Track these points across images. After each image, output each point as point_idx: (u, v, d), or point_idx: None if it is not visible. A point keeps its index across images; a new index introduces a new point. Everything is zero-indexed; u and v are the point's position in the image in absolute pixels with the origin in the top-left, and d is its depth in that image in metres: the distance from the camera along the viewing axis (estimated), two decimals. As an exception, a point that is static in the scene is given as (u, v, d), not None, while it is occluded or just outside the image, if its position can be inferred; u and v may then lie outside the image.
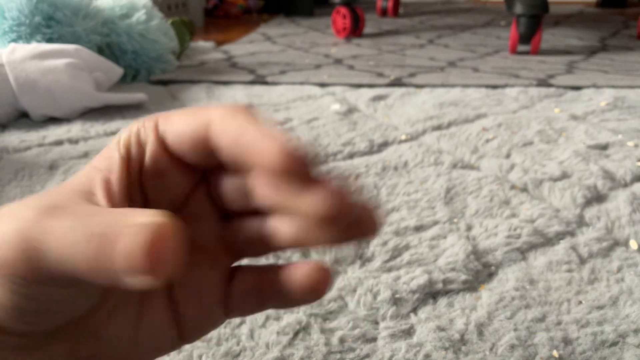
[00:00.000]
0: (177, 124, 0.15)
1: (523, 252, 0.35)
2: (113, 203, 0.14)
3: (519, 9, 0.97)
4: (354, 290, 0.31)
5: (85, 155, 0.53)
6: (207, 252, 0.16)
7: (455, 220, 0.40)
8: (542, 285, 0.32)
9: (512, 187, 0.45)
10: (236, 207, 0.16)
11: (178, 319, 0.16)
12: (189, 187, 0.16)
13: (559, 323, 0.28)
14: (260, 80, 0.82)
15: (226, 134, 0.14)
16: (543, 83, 0.79)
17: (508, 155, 0.52)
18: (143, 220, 0.11)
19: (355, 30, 1.26)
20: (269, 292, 0.16)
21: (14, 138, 0.58)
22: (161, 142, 0.15)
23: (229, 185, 0.16)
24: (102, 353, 0.15)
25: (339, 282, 0.32)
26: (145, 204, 0.16)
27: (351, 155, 0.53)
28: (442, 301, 0.30)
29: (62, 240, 0.12)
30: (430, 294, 0.31)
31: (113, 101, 0.67)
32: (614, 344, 0.27)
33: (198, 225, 0.16)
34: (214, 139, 0.14)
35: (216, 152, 0.14)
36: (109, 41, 0.81)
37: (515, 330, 0.28)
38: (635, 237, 0.37)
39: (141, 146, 0.15)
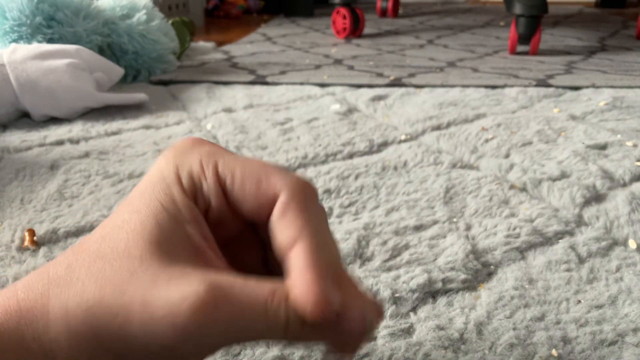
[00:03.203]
0: (239, 184, 0.16)
1: (522, 252, 0.35)
2: (219, 257, 0.16)
3: (518, 9, 0.97)
4: (354, 290, 0.31)
5: (86, 155, 0.53)
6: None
7: (454, 219, 0.40)
8: (541, 284, 0.32)
9: (511, 186, 0.45)
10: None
11: None
12: (238, 230, 0.18)
13: (558, 322, 0.29)
14: (261, 81, 0.83)
15: (283, 240, 0.15)
16: (542, 83, 0.79)
17: (507, 155, 0.52)
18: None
19: (355, 30, 1.26)
20: None
21: (15, 138, 0.58)
22: (224, 196, 0.16)
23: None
24: None
25: (339, 282, 0.32)
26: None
27: (351, 155, 0.53)
28: (442, 300, 0.31)
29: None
30: (430, 293, 0.31)
31: (114, 101, 0.67)
32: (613, 343, 0.27)
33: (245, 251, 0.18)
34: (274, 228, 0.15)
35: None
36: (109, 41, 0.81)
37: (514, 329, 0.28)
38: (634, 236, 0.37)
39: (206, 198, 0.16)
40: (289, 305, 0.13)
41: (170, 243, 0.14)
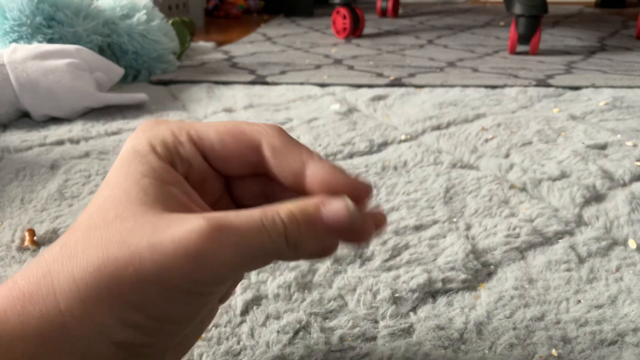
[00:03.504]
0: (219, 142, 0.17)
1: (522, 252, 0.35)
2: (204, 209, 0.17)
3: (518, 9, 0.97)
4: (354, 290, 0.31)
5: (87, 155, 0.53)
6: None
7: (454, 219, 0.40)
8: (541, 284, 0.32)
9: (511, 186, 0.45)
10: (247, 202, 0.19)
11: None
12: (221, 189, 0.19)
13: (557, 322, 0.29)
14: (261, 81, 0.83)
15: (293, 169, 0.17)
16: (542, 83, 0.79)
17: (507, 155, 0.52)
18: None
19: (355, 30, 1.26)
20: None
21: (15, 138, 0.58)
22: (203, 157, 0.17)
23: (248, 187, 0.19)
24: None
25: (339, 281, 0.32)
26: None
27: (351, 155, 0.53)
28: (442, 300, 0.31)
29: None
30: (430, 293, 0.31)
31: (114, 101, 0.67)
32: (613, 343, 0.27)
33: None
34: (270, 165, 0.17)
35: (266, 171, 0.17)
36: (109, 41, 0.81)
37: (514, 329, 0.28)
38: (633, 236, 0.37)
39: (184, 161, 0.17)
40: (281, 213, 0.15)
41: (158, 202, 0.15)
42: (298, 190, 0.17)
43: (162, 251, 0.13)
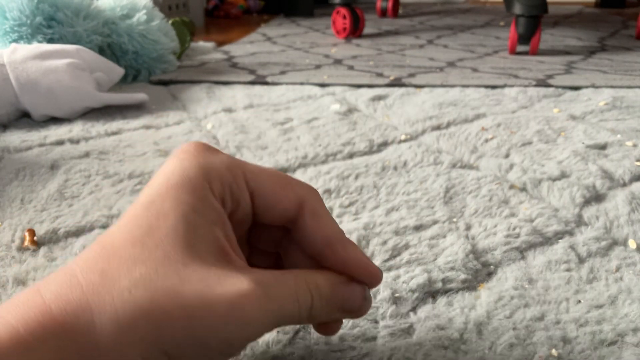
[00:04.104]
0: (270, 190, 0.18)
1: (522, 252, 0.35)
2: (240, 256, 0.17)
3: (518, 9, 0.97)
4: (354, 290, 0.31)
5: (87, 155, 0.53)
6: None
7: (454, 219, 0.40)
8: (541, 284, 0.32)
9: (511, 186, 0.45)
10: (261, 245, 0.21)
11: None
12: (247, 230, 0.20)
13: (557, 322, 0.29)
14: (261, 81, 0.83)
15: (323, 237, 0.18)
16: (542, 83, 0.79)
17: (507, 155, 0.52)
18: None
19: (355, 30, 1.26)
20: None
21: (15, 138, 0.58)
22: (252, 202, 0.18)
23: (270, 234, 0.20)
24: None
25: (339, 282, 0.32)
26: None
27: (351, 155, 0.53)
28: (442, 300, 0.31)
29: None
30: (430, 293, 0.31)
31: (114, 101, 0.67)
32: (613, 343, 0.27)
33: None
34: (305, 226, 0.18)
35: (295, 228, 0.18)
36: (109, 41, 0.81)
37: (514, 329, 0.28)
38: (633, 236, 0.37)
39: (234, 200, 0.17)
40: (311, 287, 0.16)
41: (202, 245, 0.15)
42: (314, 255, 0.18)
43: (215, 312, 0.14)
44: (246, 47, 1.15)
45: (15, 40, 0.70)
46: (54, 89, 0.62)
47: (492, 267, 0.34)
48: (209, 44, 1.16)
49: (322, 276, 0.17)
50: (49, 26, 0.72)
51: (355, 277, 0.18)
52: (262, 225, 0.19)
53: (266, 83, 0.82)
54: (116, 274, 0.14)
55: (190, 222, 0.15)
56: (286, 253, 0.20)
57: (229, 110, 0.69)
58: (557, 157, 0.51)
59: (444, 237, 0.37)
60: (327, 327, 0.20)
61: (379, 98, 0.73)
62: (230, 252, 0.16)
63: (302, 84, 0.81)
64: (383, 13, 1.72)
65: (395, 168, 0.49)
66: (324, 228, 0.18)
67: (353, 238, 0.37)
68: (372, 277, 0.18)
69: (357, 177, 0.47)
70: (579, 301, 0.30)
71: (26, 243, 0.36)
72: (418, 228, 0.39)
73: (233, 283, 0.14)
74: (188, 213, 0.15)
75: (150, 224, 0.15)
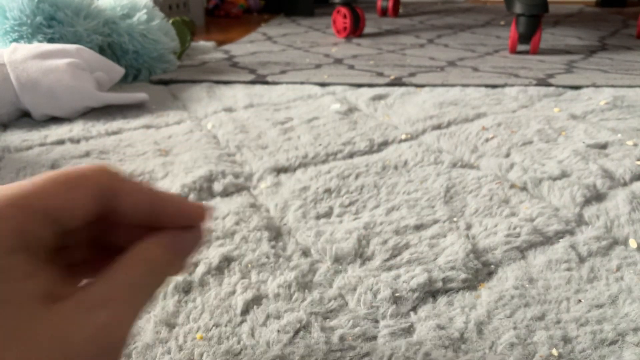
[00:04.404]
0: (58, 208, 0.15)
1: (522, 251, 0.35)
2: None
3: (518, 8, 0.97)
4: (354, 289, 0.31)
5: (87, 154, 0.53)
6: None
7: (455, 219, 0.40)
8: (541, 283, 0.32)
9: (512, 186, 0.45)
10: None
11: None
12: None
13: (558, 321, 0.29)
14: (261, 80, 0.83)
15: (138, 206, 0.17)
16: (542, 82, 0.79)
17: (507, 155, 0.52)
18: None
19: (356, 30, 1.26)
20: None
21: (15, 137, 0.58)
22: (52, 227, 0.15)
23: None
24: None
25: (339, 281, 0.32)
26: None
27: (351, 155, 0.53)
28: (442, 300, 0.31)
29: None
30: (430, 292, 0.31)
31: (114, 101, 0.67)
32: (613, 342, 0.27)
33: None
34: (115, 209, 0.17)
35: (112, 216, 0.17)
36: (110, 41, 0.81)
37: (514, 328, 0.28)
38: (634, 236, 0.37)
39: (37, 239, 0.15)
40: (147, 265, 0.16)
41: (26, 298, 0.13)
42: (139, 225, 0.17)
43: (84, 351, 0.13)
44: (246, 47, 1.15)
45: (15, 40, 0.70)
46: (55, 88, 0.62)
47: (492, 266, 0.34)
48: (210, 44, 1.16)
49: (156, 247, 0.17)
50: (49, 26, 0.72)
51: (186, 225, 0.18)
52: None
53: (266, 82, 0.82)
54: None
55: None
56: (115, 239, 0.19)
57: (229, 109, 0.69)
58: (557, 156, 0.51)
59: (445, 236, 0.37)
60: None
61: (380, 97, 0.73)
62: (57, 290, 0.14)
63: (302, 83, 0.81)
64: (383, 12, 1.72)
65: (395, 167, 0.49)
66: (133, 205, 0.17)
67: (353, 237, 0.37)
68: (198, 219, 0.18)
69: (357, 176, 0.47)
70: (580, 301, 0.30)
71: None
72: (418, 227, 0.39)
73: (80, 321, 0.14)
74: None
75: None
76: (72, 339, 0.13)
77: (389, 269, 0.33)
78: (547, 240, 0.37)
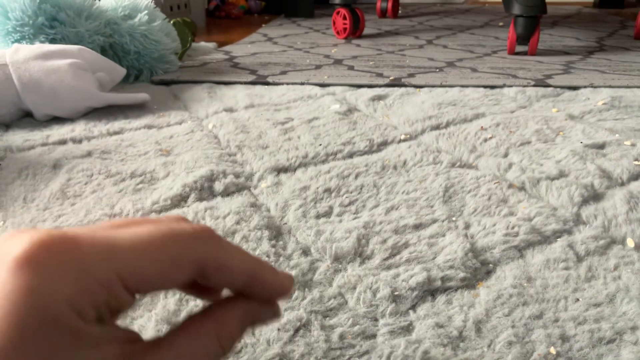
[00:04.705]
0: (155, 276, 0.14)
1: (521, 250, 0.36)
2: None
3: (517, 10, 0.98)
4: (354, 288, 0.32)
5: (89, 154, 0.53)
6: None
7: (453, 218, 0.40)
8: (539, 282, 0.32)
9: (510, 185, 0.46)
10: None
11: None
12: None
13: (556, 320, 0.29)
14: (262, 81, 0.83)
15: (227, 282, 0.16)
16: (541, 83, 0.80)
17: (506, 155, 0.53)
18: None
19: (355, 31, 1.27)
20: None
21: (17, 137, 0.58)
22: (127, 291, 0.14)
23: None
24: None
25: (339, 280, 0.33)
26: None
27: (351, 155, 0.53)
28: (441, 298, 0.31)
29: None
30: (429, 291, 0.32)
31: (116, 101, 0.68)
32: (611, 341, 0.28)
33: None
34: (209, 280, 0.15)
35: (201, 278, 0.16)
36: (111, 42, 0.82)
37: (513, 327, 0.28)
38: (632, 235, 0.37)
39: (114, 312, 0.14)
40: (220, 339, 0.15)
41: None
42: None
43: None
44: (247, 48, 1.15)
45: (17, 41, 0.71)
46: (57, 88, 0.62)
47: (491, 265, 0.34)
48: (210, 44, 1.16)
49: (234, 321, 0.16)
50: (51, 26, 0.73)
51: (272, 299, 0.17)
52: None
53: (267, 83, 0.82)
54: None
55: None
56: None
57: (230, 110, 0.69)
58: (555, 156, 0.52)
59: (443, 235, 0.38)
60: None
61: (379, 98, 0.73)
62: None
63: (302, 84, 0.81)
64: (383, 13, 1.72)
65: (395, 167, 0.50)
66: (233, 276, 0.16)
67: (353, 236, 0.37)
68: (284, 293, 0.18)
69: (357, 176, 0.48)
70: (578, 299, 0.31)
71: (29, 242, 0.36)
72: (417, 227, 0.39)
73: None
74: None
75: None
76: None
77: (388, 267, 0.34)
78: (545, 239, 0.37)
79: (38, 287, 0.12)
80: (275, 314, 0.17)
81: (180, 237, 0.14)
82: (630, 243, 0.36)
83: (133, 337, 0.14)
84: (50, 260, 0.12)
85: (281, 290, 0.17)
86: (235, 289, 0.16)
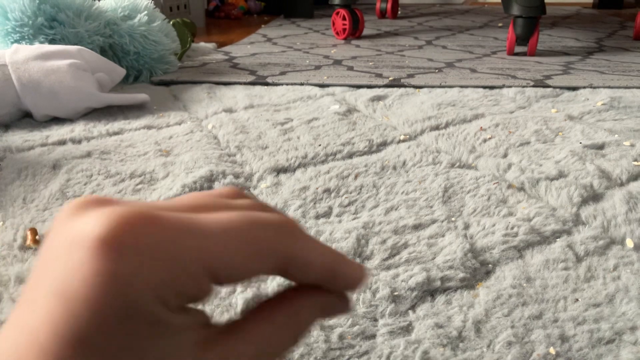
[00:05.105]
0: (237, 266, 0.13)
1: (520, 251, 0.36)
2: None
3: (516, 10, 0.98)
4: (354, 288, 0.32)
5: (88, 155, 0.53)
6: None
7: (453, 219, 0.40)
8: (538, 283, 0.32)
9: (509, 186, 0.46)
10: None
11: None
12: None
13: (555, 320, 0.29)
14: (261, 81, 0.83)
15: (309, 278, 0.15)
16: (540, 84, 0.80)
17: (505, 155, 0.53)
18: None
19: (355, 31, 1.27)
20: None
21: (17, 138, 0.58)
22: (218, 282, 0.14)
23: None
24: None
25: (339, 280, 0.33)
26: None
27: (350, 155, 0.53)
28: (440, 299, 0.31)
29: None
30: (429, 291, 0.32)
31: (115, 101, 0.68)
32: (611, 341, 0.28)
33: None
34: (299, 271, 0.15)
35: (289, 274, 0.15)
36: (111, 42, 0.82)
37: (512, 327, 0.28)
38: (631, 235, 0.37)
39: (198, 300, 0.13)
40: (301, 323, 0.15)
41: None
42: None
43: None
44: (247, 48, 1.16)
45: (17, 41, 0.71)
46: (56, 89, 0.62)
47: (490, 265, 0.34)
48: (210, 45, 1.16)
49: (309, 311, 0.16)
50: (50, 27, 0.73)
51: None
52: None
53: (266, 83, 0.82)
54: None
55: None
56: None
57: (229, 110, 0.69)
58: (554, 156, 0.52)
59: (443, 236, 0.38)
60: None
61: (378, 98, 0.73)
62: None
63: (302, 84, 0.81)
64: (382, 14, 1.73)
65: (394, 168, 0.50)
66: (314, 270, 0.15)
67: (352, 237, 0.37)
68: (358, 284, 0.17)
69: (356, 176, 0.48)
70: (577, 300, 0.31)
71: (28, 242, 0.36)
72: (417, 227, 0.39)
73: None
74: None
75: None
76: None
77: (388, 268, 0.34)
78: (545, 239, 0.37)
79: (123, 273, 0.11)
80: (347, 306, 0.16)
81: (266, 227, 0.14)
82: (630, 243, 0.36)
83: (206, 321, 0.14)
84: (137, 243, 0.11)
85: (356, 283, 0.16)
86: (313, 283, 0.16)
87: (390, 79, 0.84)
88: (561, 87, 0.79)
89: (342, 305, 0.16)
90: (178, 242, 0.12)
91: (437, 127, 0.61)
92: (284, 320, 0.15)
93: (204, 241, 0.12)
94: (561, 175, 0.47)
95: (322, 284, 0.16)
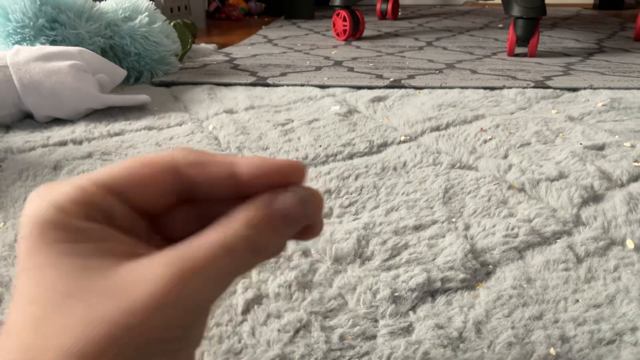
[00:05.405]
0: (130, 177, 0.15)
1: (520, 251, 0.36)
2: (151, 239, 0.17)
3: (516, 11, 0.98)
4: (354, 289, 0.32)
5: (89, 155, 0.53)
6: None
7: (453, 219, 0.40)
8: (539, 283, 0.32)
9: (510, 187, 0.46)
10: (181, 234, 0.17)
11: None
12: (148, 231, 0.17)
13: (556, 321, 0.29)
14: (262, 82, 0.83)
15: (210, 178, 0.15)
16: (540, 84, 0.80)
17: (506, 156, 0.53)
18: None
19: (355, 32, 1.27)
20: None
21: (18, 139, 0.58)
22: (120, 200, 0.15)
23: (179, 218, 0.17)
24: None
25: (339, 281, 0.33)
26: None
27: (351, 156, 0.53)
28: (441, 299, 0.31)
29: None
30: (429, 292, 0.32)
31: (116, 102, 0.68)
32: (611, 342, 0.28)
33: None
34: (195, 181, 0.16)
35: (192, 193, 0.16)
36: (112, 43, 0.82)
37: (512, 328, 0.29)
38: (631, 236, 0.37)
39: (104, 211, 0.15)
40: (239, 228, 0.14)
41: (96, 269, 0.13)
42: (234, 196, 0.16)
43: (132, 313, 0.12)
44: (247, 49, 1.16)
45: (18, 42, 0.71)
46: (57, 90, 0.62)
47: (490, 266, 0.34)
48: (211, 46, 1.16)
49: (246, 209, 0.15)
50: (51, 28, 0.73)
51: (278, 185, 0.15)
52: (163, 216, 0.17)
53: (267, 84, 0.83)
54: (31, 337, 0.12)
55: (74, 256, 0.13)
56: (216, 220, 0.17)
57: (230, 111, 0.69)
58: (555, 157, 0.52)
59: (443, 237, 0.38)
60: (302, 235, 0.17)
61: (379, 99, 0.73)
62: (136, 251, 0.14)
63: (302, 85, 0.82)
64: (383, 15, 1.73)
65: (394, 168, 0.50)
66: (214, 167, 0.15)
67: (353, 238, 0.37)
68: (294, 174, 0.16)
69: (357, 177, 0.48)
70: (577, 300, 0.31)
71: (30, 243, 0.36)
72: (417, 228, 0.39)
73: (143, 275, 0.13)
74: (67, 251, 0.13)
75: (32, 288, 0.13)
76: (132, 292, 0.12)
77: (388, 269, 0.34)
78: (545, 240, 0.37)
79: (34, 207, 0.14)
80: (300, 195, 0.15)
81: (157, 153, 0.16)
82: (630, 244, 0.36)
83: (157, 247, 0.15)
84: (44, 190, 0.15)
85: (287, 171, 0.15)
86: (231, 191, 0.15)
87: (390, 80, 0.84)
88: (561, 88, 0.79)
89: (287, 197, 0.15)
90: (78, 179, 0.15)
91: (437, 128, 0.61)
92: (238, 225, 0.14)
93: (98, 173, 0.15)
94: (561, 176, 0.47)
95: (244, 184, 0.15)
